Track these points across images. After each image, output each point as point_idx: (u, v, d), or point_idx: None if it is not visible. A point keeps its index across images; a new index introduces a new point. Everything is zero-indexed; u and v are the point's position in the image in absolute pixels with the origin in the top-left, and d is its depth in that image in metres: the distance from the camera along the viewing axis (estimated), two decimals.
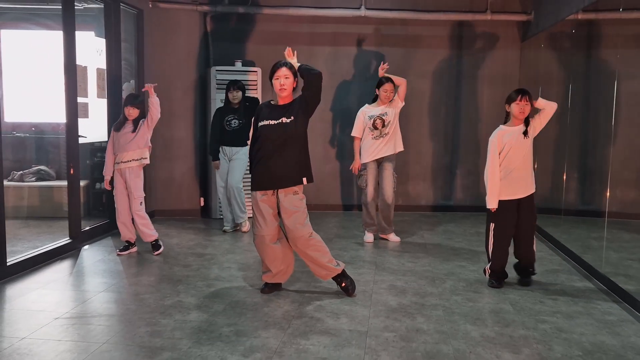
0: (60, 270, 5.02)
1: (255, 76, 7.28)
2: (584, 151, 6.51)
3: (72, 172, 5.60)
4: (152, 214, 7.39)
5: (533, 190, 4.61)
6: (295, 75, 4.20)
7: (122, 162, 5.42)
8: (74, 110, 5.57)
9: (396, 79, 6.00)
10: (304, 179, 4.22)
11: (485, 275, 4.76)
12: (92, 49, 6.87)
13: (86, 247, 5.79)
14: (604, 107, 5.39)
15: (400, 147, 6.10)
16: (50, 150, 7.95)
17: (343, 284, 4.38)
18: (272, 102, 4.31)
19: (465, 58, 7.99)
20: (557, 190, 6.40)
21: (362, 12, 7.52)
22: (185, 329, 3.65)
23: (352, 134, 6.10)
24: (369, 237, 6.22)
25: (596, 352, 3.42)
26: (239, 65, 7.41)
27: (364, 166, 6.08)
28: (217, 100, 7.23)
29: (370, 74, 7.92)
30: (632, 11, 5.45)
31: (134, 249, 5.60)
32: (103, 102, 6.42)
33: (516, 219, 4.56)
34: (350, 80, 7.97)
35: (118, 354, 3.29)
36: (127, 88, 7.24)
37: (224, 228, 6.64)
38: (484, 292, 4.53)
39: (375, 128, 5.96)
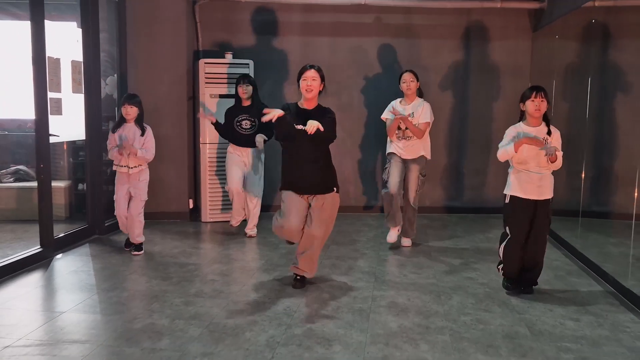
0: (25, 284, 4.53)
1: (246, 69, 6.76)
2: (606, 150, 5.98)
3: (42, 173, 5.10)
4: None
5: (549, 196, 4.28)
6: (322, 79, 4.34)
7: (129, 167, 5.20)
8: (43, 106, 5.07)
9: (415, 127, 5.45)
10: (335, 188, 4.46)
11: (499, 272, 4.50)
12: (72, 41, 6.39)
13: (59, 256, 5.30)
14: (628, 103, 4.88)
15: (427, 155, 5.61)
16: (18, 151, 7.47)
17: (298, 278, 4.50)
18: (298, 104, 4.39)
19: (473, 49, 7.45)
20: (575, 191, 5.87)
21: None
22: None
23: (382, 117, 5.69)
24: (391, 235, 5.66)
25: None
26: (229, 57, 6.89)
27: (389, 158, 5.61)
28: (206, 95, 6.72)
29: (371, 67, 7.40)
30: None
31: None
32: (80, 98, 5.90)
33: (529, 223, 4.26)
34: (350, 74, 7.44)
35: None
36: (112, 82, 6.75)
37: (232, 223, 6.32)
38: (496, 311, 4.02)
39: (399, 128, 5.49)
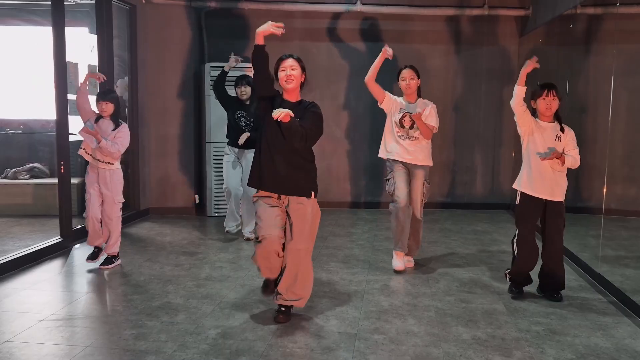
0: (49, 270, 4.96)
1: (250, 72, 7.17)
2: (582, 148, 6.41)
3: (62, 169, 5.52)
4: (146, 212, 7.34)
5: (561, 198, 4.18)
6: (303, 69, 3.82)
7: (100, 160, 4.89)
8: (64, 107, 5.50)
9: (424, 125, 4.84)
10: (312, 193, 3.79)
11: (506, 279, 4.44)
12: (85, 46, 6.81)
13: (77, 245, 5.72)
14: (602, 104, 5.30)
15: (430, 162, 5.01)
16: (39, 149, 7.88)
17: (283, 309, 3.83)
18: (281, 96, 3.83)
19: (463, 53, 7.90)
20: None
21: (358, 7, 7.42)
22: (172, 332, 3.59)
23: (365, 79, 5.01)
24: (397, 262, 4.97)
25: (589, 356, 3.34)
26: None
27: (390, 167, 4.98)
28: (211, 97, 7.14)
29: (366, 71, 7.81)
30: (630, 6, 5.37)
31: (119, 262, 5.10)
32: (94, 100, 6.32)
33: (538, 220, 4.22)
34: (347, 78, 7.88)
35: (101, 358, 3.23)
36: (122, 85, 7.18)
37: (228, 229, 6.06)
38: (478, 292, 4.46)
39: (402, 126, 4.89)
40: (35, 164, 7.66)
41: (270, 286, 3.94)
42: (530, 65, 4.11)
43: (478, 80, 7.94)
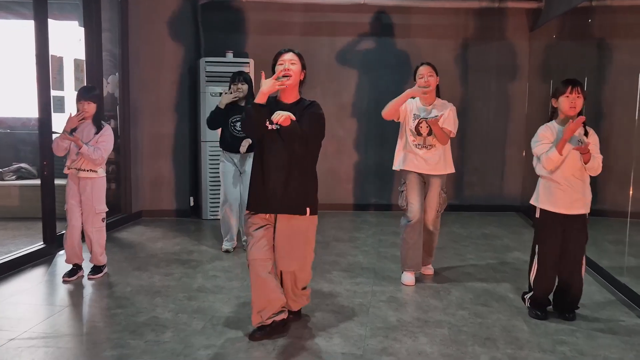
0: (29, 279, 4.59)
1: (247, 68, 6.82)
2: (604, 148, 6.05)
3: (45, 171, 5.16)
4: (139, 215, 6.98)
5: (585, 211, 3.75)
6: (303, 66, 3.49)
7: (80, 169, 4.49)
8: (47, 104, 5.14)
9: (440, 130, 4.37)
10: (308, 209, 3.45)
11: (525, 303, 3.97)
12: (75, 39, 6.46)
13: (62, 252, 5.35)
14: (626, 103, 4.92)
15: (451, 168, 4.54)
16: (21, 148, 7.52)
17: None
18: (277, 98, 3.50)
19: (471, 49, 7.53)
20: None
21: None
22: (157, 353, 3.22)
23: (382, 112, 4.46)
24: (407, 277, 4.57)
25: None
26: (230, 56, 6.95)
27: (404, 178, 4.56)
28: (207, 93, 6.79)
29: (371, 67, 7.47)
30: None
31: (81, 273, 4.67)
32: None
33: (561, 238, 3.76)
34: (350, 74, 7.51)
35: None
36: (113, 81, 6.81)
37: (225, 247, 5.48)
38: (494, 305, 4.09)
39: (419, 134, 4.43)
40: (23, 165, 7.31)
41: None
42: (573, 127, 3.55)
43: (486, 77, 7.56)
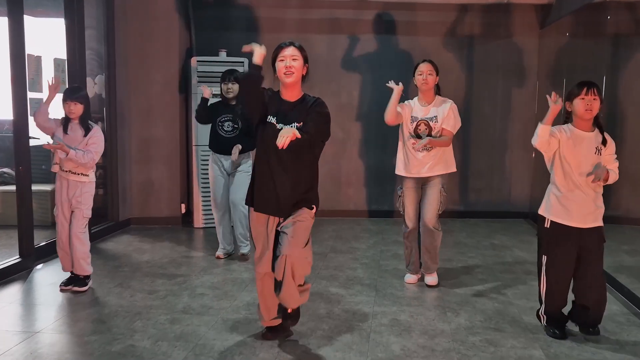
0: (0, 299, 4.22)
1: (241, 68, 6.45)
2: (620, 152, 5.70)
3: (21, 178, 4.80)
4: (127, 223, 6.61)
5: (599, 224, 3.48)
6: (306, 60, 3.32)
7: (70, 172, 4.29)
8: (22, 107, 4.77)
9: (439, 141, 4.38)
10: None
11: (541, 322, 3.67)
12: (58, 38, 6.08)
13: (39, 266, 4.99)
14: None
15: (452, 167, 4.51)
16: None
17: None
18: (279, 95, 3.34)
19: (477, 47, 7.15)
20: None
21: None
22: None
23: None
24: (410, 277, 4.69)
25: None
26: (223, 55, 6.59)
27: (401, 184, 4.56)
28: (198, 95, 6.40)
29: (371, 65, 7.10)
30: None
31: (90, 285, 4.44)
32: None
33: (575, 253, 3.47)
34: (350, 73, 7.14)
35: None
36: (100, 82, 6.45)
37: (218, 253, 5.31)
38: (507, 330, 3.72)
39: (418, 136, 4.41)
40: (5, 169, 6.95)
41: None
42: (556, 108, 3.34)
43: (493, 77, 7.20)
